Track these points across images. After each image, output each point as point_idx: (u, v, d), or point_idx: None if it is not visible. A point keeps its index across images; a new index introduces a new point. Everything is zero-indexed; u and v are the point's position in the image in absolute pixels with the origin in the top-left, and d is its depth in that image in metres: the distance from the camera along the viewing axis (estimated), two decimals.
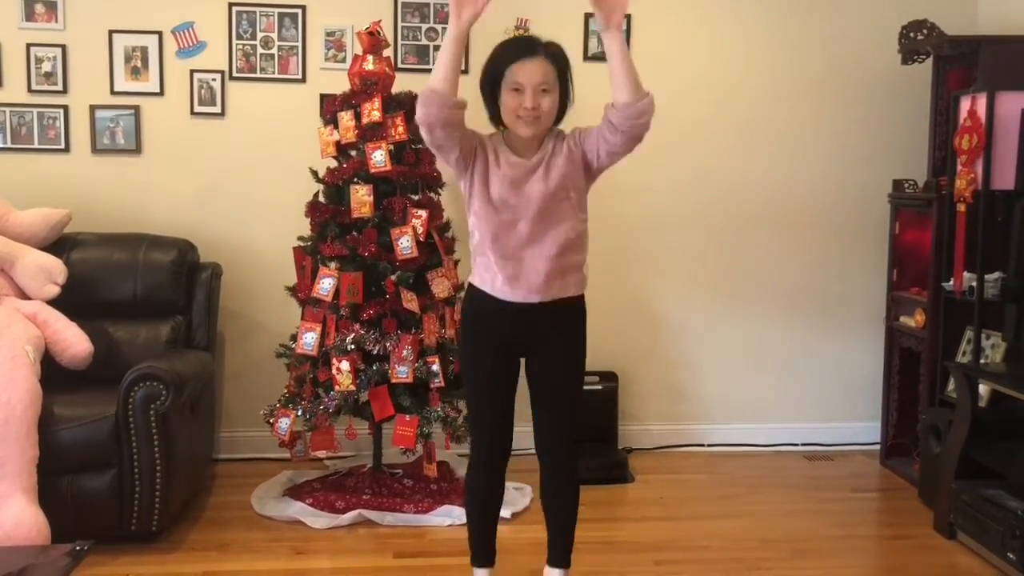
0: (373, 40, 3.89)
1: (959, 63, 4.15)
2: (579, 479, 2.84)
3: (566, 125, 2.77)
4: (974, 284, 3.82)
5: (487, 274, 2.66)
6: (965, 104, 3.85)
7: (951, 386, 4.02)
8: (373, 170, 3.79)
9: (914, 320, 4.28)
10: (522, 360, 2.76)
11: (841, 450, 4.73)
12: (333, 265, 3.80)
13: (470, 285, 2.76)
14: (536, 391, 2.74)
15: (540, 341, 2.68)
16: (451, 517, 3.72)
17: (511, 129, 2.61)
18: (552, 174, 2.60)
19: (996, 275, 3.83)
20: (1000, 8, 4.51)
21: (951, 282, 3.98)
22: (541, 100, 2.50)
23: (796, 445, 4.76)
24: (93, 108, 4.31)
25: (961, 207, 3.86)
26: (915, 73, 4.46)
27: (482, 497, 2.84)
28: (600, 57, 4.49)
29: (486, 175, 2.62)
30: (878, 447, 4.62)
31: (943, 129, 4.19)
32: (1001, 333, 3.86)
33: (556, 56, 2.59)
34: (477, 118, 4.60)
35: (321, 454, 3.92)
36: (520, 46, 2.56)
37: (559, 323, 2.67)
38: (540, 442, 2.75)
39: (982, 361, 3.87)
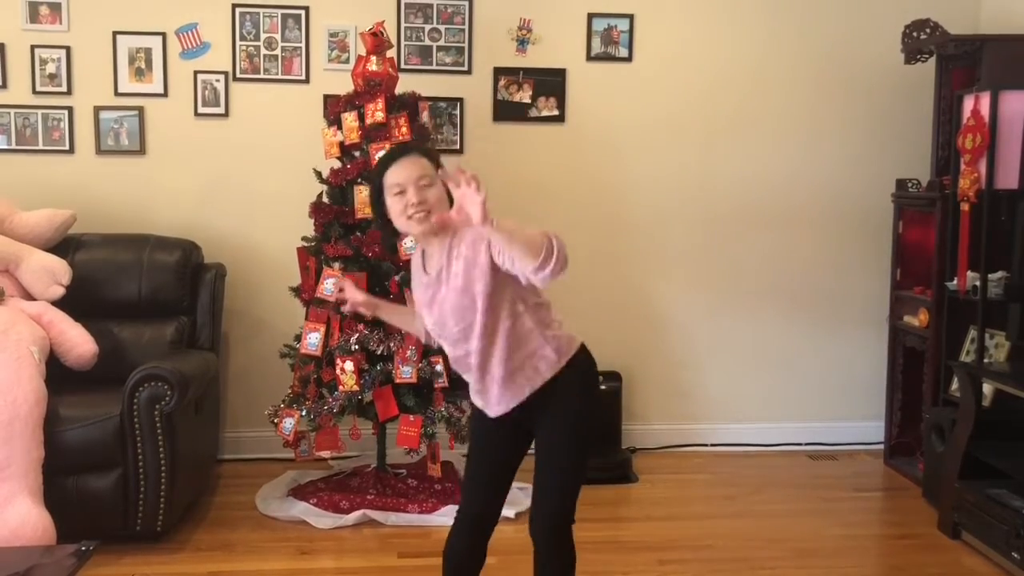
0: (376, 41, 3.90)
1: (962, 62, 4.14)
2: (566, 558, 2.51)
3: None
4: (978, 283, 3.82)
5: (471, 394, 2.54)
6: (968, 103, 3.84)
7: (955, 385, 4.02)
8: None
9: (917, 319, 4.28)
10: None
11: (845, 449, 4.73)
12: (337, 265, 3.81)
13: None
14: (536, 462, 2.51)
15: (537, 419, 2.47)
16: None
17: (408, 233, 2.48)
18: (452, 288, 2.37)
19: (1000, 274, 3.82)
20: (1003, 7, 4.51)
21: (955, 281, 3.98)
22: (425, 194, 2.36)
23: (800, 445, 4.76)
24: (97, 109, 4.32)
25: (965, 206, 3.85)
26: (918, 72, 4.46)
27: (458, 562, 2.58)
28: (602, 57, 4.53)
29: (421, 309, 2.50)
30: (882, 446, 4.62)
31: (946, 128, 4.19)
32: (1005, 332, 3.85)
33: (428, 152, 2.48)
34: (479, 110, 4.59)
35: (325, 454, 3.92)
36: (390, 153, 2.48)
37: (549, 403, 2.43)
38: (530, 523, 2.52)
39: (986, 360, 3.87)
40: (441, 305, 2.41)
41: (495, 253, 2.30)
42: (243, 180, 4.41)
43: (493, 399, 2.44)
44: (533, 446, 2.52)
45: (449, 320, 2.39)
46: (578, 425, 2.45)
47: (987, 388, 3.73)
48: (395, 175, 2.39)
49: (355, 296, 2.62)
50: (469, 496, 2.58)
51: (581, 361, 2.47)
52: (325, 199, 3.93)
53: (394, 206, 2.39)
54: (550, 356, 2.41)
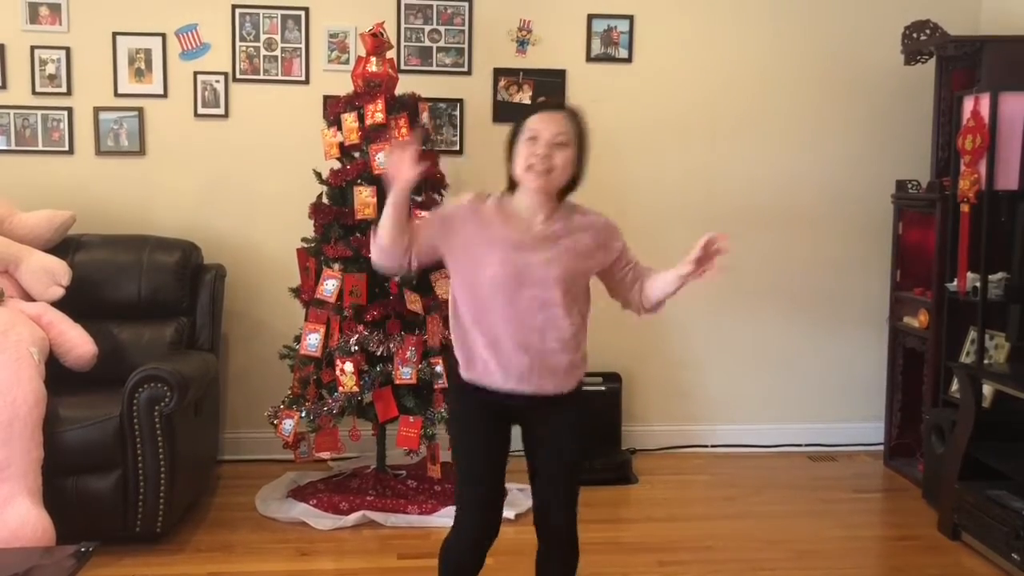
0: (376, 42, 3.90)
1: (962, 63, 4.14)
2: (577, 556, 2.54)
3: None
4: (978, 284, 3.82)
5: (471, 358, 2.43)
6: (968, 104, 3.84)
7: (955, 386, 4.02)
8: (376, 171, 3.79)
9: (917, 320, 4.28)
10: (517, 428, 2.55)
11: (844, 451, 4.73)
12: (337, 266, 3.81)
13: (454, 360, 2.51)
14: (534, 461, 2.50)
15: (537, 414, 2.46)
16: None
17: (521, 183, 2.40)
18: (561, 257, 2.38)
19: (1000, 275, 3.82)
20: (1003, 8, 4.51)
21: (955, 282, 3.98)
22: (555, 152, 2.34)
23: (799, 446, 4.76)
24: (97, 110, 4.32)
25: (965, 207, 3.85)
26: (918, 73, 4.46)
27: (462, 572, 2.56)
28: (602, 58, 4.53)
29: (476, 247, 2.39)
30: (882, 447, 4.61)
31: (946, 129, 4.19)
32: (1005, 333, 3.85)
33: (578, 118, 2.43)
34: (479, 111, 4.55)
35: (325, 455, 3.92)
36: (544, 104, 2.50)
37: (558, 405, 2.45)
38: (538, 519, 2.51)
39: (985, 362, 3.87)
40: (525, 264, 2.35)
41: (619, 265, 2.51)
42: (243, 181, 4.41)
43: (519, 374, 2.38)
44: (533, 447, 2.50)
45: (525, 279, 2.35)
46: (583, 427, 2.50)
47: (987, 389, 3.73)
48: (537, 121, 2.38)
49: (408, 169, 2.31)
50: (474, 507, 2.50)
51: (582, 391, 2.57)
52: (325, 200, 3.93)
53: (522, 150, 2.38)
54: (578, 376, 2.49)
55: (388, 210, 2.35)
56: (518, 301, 2.37)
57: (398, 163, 2.30)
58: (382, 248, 2.40)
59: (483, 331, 2.40)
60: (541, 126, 2.37)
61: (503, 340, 2.38)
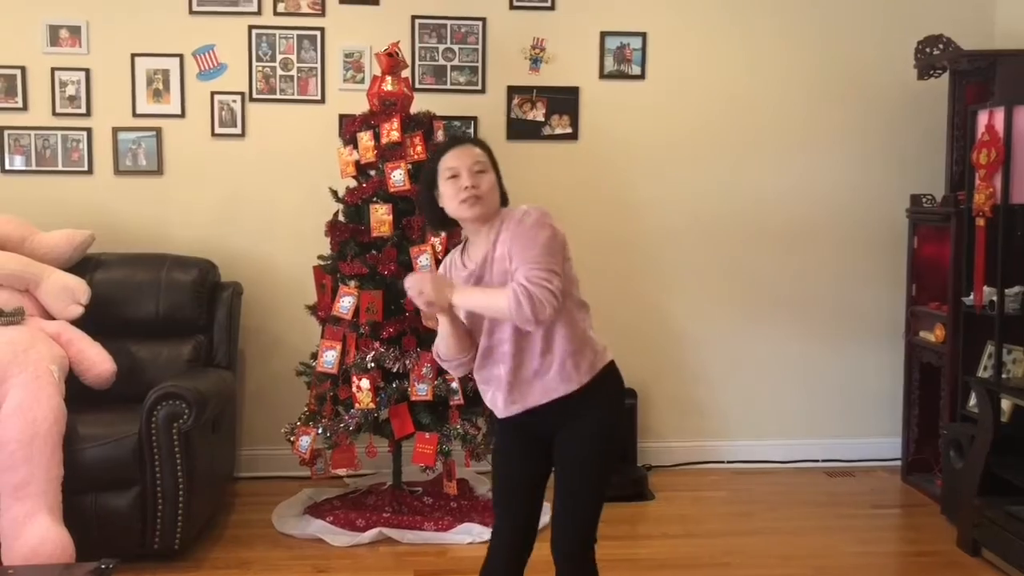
0: (391, 61, 3.93)
1: (976, 77, 4.14)
2: None
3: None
4: (994, 298, 3.80)
5: (484, 393, 2.53)
6: (983, 118, 3.84)
7: (972, 401, 4.00)
8: (392, 189, 3.82)
9: (934, 335, 4.26)
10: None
11: (862, 466, 4.70)
12: (353, 284, 3.83)
13: None
14: (555, 480, 2.50)
15: (557, 428, 2.45)
16: (471, 535, 3.72)
17: (460, 221, 2.47)
18: (499, 265, 2.38)
19: (1016, 289, 3.81)
20: (1017, 22, 4.51)
21: (971, 296, 3.96)
22: (479, 179, 2.41)
23: (816, 461, 4.74)
24: (116, 130, 4.37)
25: (980, 221, 3.84)
26: (932, 88, 4.46)
27: None
28: (615, 75, 4.55)
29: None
30: (899, 463, 4.59)
31: (961, 144, 4.19)
32: (1022, 348, 3.84)
33: (483, 144, 2.53)
34: (493, 129, 4.59)
35: (341, 472, 3.93)
36: (446, 142, 2.56)
37: (568, 416, 2.42)
38: (551, 541, 2.49)
39: (1003, 376, 3.84)
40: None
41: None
42: (260, 199, 4.44)
43: (529, 393, 2.42)
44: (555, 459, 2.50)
45: (478, 316, 2.42)
46: (596, 445, 2.43)
47: (1005, 404, 3.71)
48: (450, 160, 2.45)
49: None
50: (502, 522, 2.54)
51: (607, 378, 2.47)
52: (341, 218, 3.96)
53: (447, 190, 2.43)
54: (584, 365, 2.41)
55: (448, 329, 2.42)
56: (488, 329, 2.44)
57: (437, 291, 2.34)
58: (442, 359, 2.51)
59: (482, 374, 2.51)
60: (457, 161, 2.44)
61: (499, 371, 2.46)
